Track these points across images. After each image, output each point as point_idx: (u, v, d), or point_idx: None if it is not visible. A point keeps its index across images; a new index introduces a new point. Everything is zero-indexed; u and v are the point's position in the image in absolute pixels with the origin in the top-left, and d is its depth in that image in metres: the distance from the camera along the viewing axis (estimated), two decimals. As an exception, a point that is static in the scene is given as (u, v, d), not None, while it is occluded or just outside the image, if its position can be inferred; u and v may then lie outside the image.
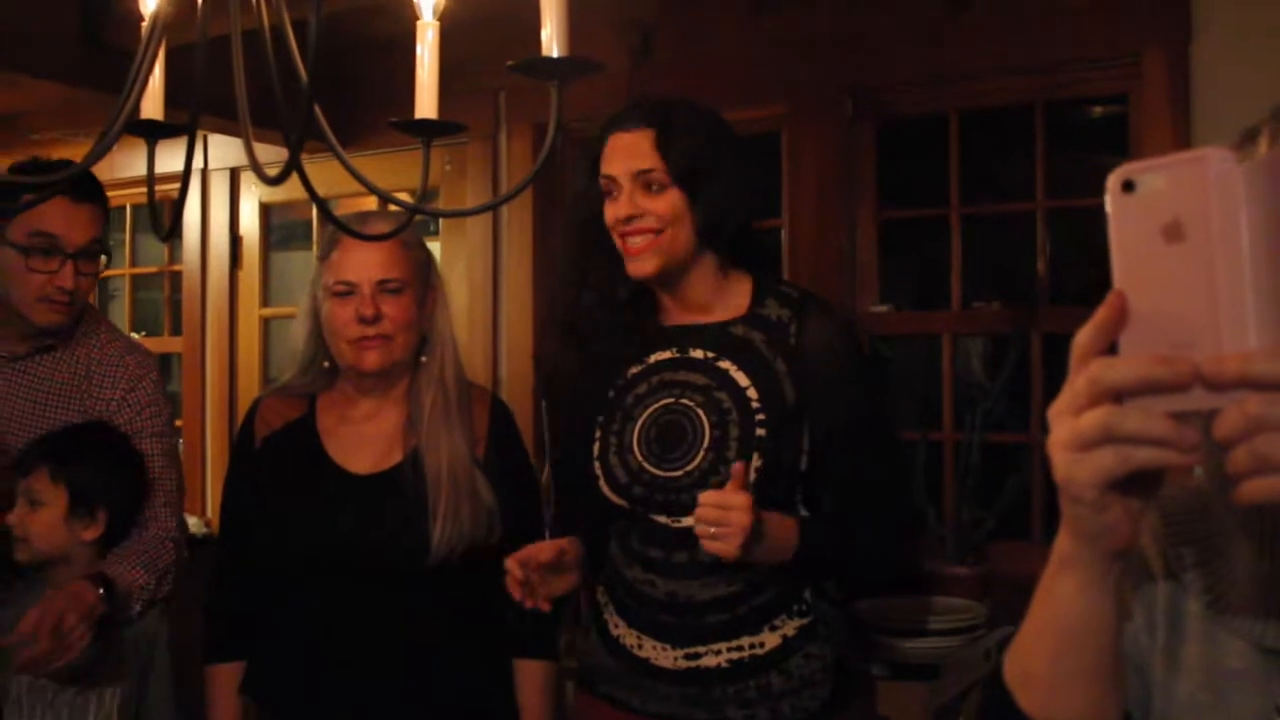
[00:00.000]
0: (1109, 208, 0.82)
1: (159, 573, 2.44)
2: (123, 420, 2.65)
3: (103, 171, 4.78)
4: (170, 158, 1.73)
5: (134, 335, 5.11)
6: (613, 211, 2.11)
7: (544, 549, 2.08)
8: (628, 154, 2.10)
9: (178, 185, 3.79)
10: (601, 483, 2.17)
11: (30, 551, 2.38)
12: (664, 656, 2.11)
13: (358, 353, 2.28)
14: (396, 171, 3.84)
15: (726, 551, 1.90)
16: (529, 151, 3.98)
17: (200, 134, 4.03)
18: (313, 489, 2.31)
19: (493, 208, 3.92)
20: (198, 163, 4.19)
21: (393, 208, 2.66)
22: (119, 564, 2.39)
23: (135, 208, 5.20)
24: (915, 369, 3.76)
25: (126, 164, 4.76)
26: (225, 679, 2.37)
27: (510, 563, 2.06)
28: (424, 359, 2.35)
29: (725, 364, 2.13)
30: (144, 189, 4.86)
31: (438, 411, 2.30)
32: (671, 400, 2.13)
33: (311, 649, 2.27)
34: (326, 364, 2.37)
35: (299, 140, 1.19)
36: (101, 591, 2.28)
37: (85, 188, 2.47)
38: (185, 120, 1.44)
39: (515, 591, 2.05)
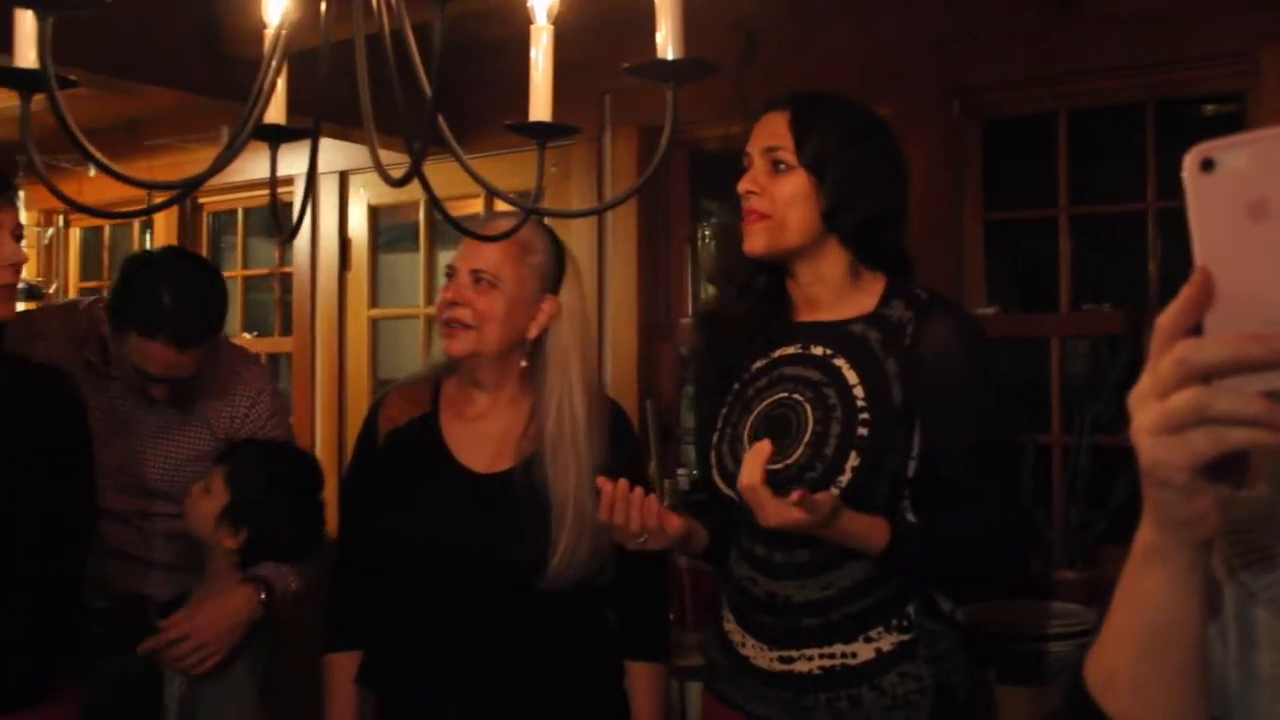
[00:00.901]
0: (1187, 187, 0.79)
1: (308, 578, 2.61)
2: (247, 433, 2.77)
3: (217, 176, 4.92)
4: (282, 162, 1.78)
5: (246, 335, 5.23)
6: (740, 185, 2.14)
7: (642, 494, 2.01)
8: (764, 131, 2.14)
9: (289, 189, 3.90)
10: (714, 472, 2.17)
11: (183, 526, 2.61)
12: (761, 657, 2.10)
13: (445, 335, 2.33)
14: (502, 174, 3.83)
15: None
16: (633, 153, 4.01)
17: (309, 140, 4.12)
18: (433, 487, 2.34)
19: (603, 210, 3.96)
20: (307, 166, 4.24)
21: (504, 206, 2.71)
22: (279, 568, 2.57)
23: (247, 211, 5.30)
24: (1022, 372, 3.72)
25: (238, 169, 4.80)
26: (343, 668, 2.42)
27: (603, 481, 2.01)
28: (539, 366, 2.34)
29: (839, 361, 2.09)
30: (255, 192, 5.01)
31: (563, 420, 2.28)
32: (785, 395, 2.11)
33: (427, 643, 2.31)
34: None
35: (423, 147, 1.22)
36: (263, 596, 2.52)
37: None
38: (304, 125, 1.47)
39: (604, 513, 2.00)
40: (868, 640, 2.05)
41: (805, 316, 2.19)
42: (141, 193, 1.46)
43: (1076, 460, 3.19)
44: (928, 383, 2.05)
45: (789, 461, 2.04)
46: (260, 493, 2.56)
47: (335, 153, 4.61)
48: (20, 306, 5.45)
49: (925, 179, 3.47)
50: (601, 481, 2.00)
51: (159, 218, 5.36)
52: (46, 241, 5.83)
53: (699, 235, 4.01)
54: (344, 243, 4.78)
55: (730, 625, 2.18)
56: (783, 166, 2.09)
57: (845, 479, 2.00)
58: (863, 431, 2.03)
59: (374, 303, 4.78)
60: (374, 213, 4.76)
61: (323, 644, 2.46)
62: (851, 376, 2.08)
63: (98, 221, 5.82)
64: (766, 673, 2.09)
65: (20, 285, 5.33)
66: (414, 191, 4.66)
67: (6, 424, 2.24)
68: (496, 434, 2.36)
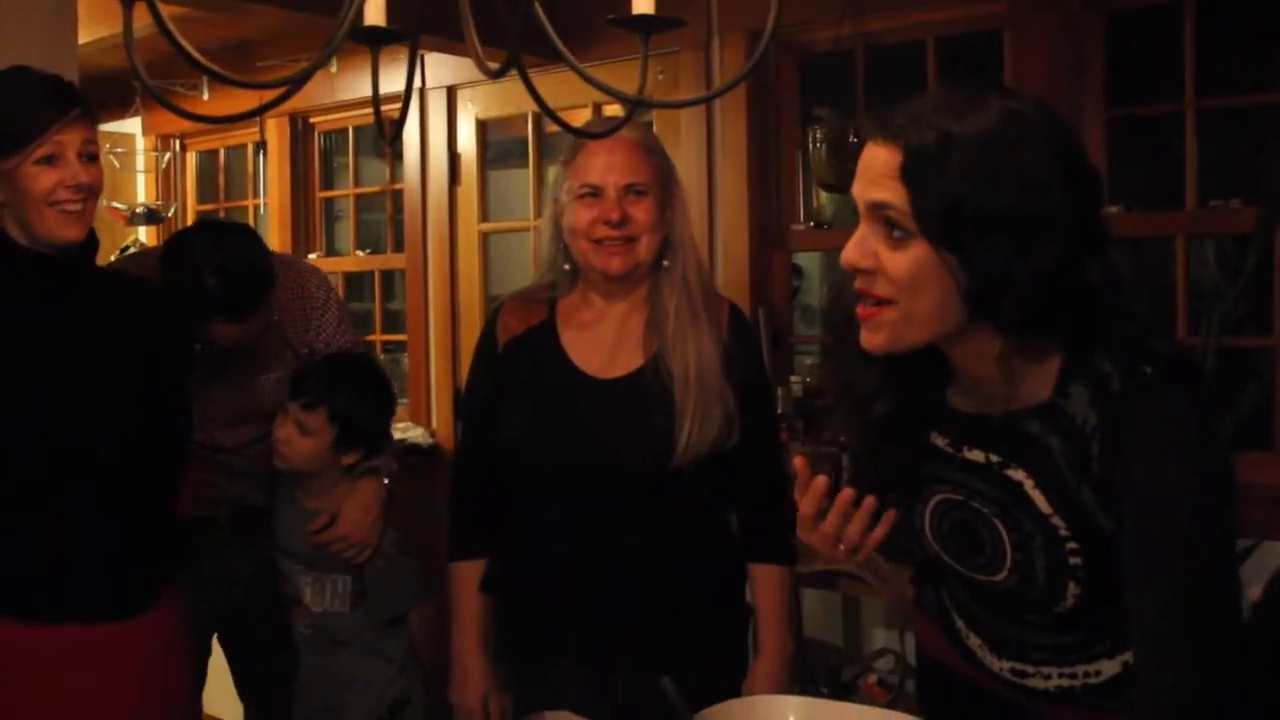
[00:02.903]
0: None
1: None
2: (321, 343, 2.84)
3: (324, 95, 4.95)
4: (388, 80, 1.77)
5: (358, 253, 5.28)
6: (844, 254, 1.57)
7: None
8: (868, 171, 1.54)
9: (397, 106, 3.91)
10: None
11: (289, 465, 2.73)
12: (989, 659, 1.79)
13: (602, 256, 2.31)
14: (609, 80, 3.83)
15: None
16: (742, 60, 3.93)
17: (419, 52, 4.11)
18: (554, 392, 2.36)
19: (713, 98, 3.88)
20: (416, 81, 4.25)
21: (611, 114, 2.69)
22: (379, 456, 2.82)
23: (357, 130, 5.33)
24: (1147, 272, 3.62)
25: (346, 87, 4.88)
26: (468, 576, 2.47)
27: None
28: (666, 263, 2.36)
29: (1017, 474, 1.62)
30: (365, 110, 5.00)
31: (683, 315, 2.32)
32: (960, 498, 1.68)
33: (551, 549, 2.34)
34: (567, 266, 2.40)
35: (518, 34, 1.19)
36: (386, 482, 2.78)
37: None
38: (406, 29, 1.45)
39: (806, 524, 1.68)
40: (1110, 657, 1.69)
41: (958, 399, 1.70)
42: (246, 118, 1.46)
43: (1203, 364, 3.10)
44: (1131, 507, 1.53)
45: (996, 579, 1.68)
46: (366, 418, 2.78)
47: (442, 68, 4.60)
48: (141, 231, 5.60)
49: (1044, 76, 3.37)
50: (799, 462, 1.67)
51: (271, 139, 5.41)
52: (164, 166, 5.92)
53: (810, 140, 3.93)
54: (453, 158, 4.78)
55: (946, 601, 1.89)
56: (897, 233, 1.50)
57: (1069, 605, 1.64)
58: (1075, 561, 1.60)
59: (484, 217, 4.78)
60: (482, 127, 4.75)
61: (447, 553, 2.50)
62: (1041, 502, 1.60)
63: (213, 144, 5.89)
64: (994, 674, 1.79)
65: (139, 209, 5.47)
66: (521, 105, 4.68)
67: (117, 333, 2.29)
68: (617, 339, 2.39)
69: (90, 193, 2.21)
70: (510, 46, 1.24)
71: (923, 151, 1.46)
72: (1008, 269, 1.45)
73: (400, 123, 1.36)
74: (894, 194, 1.48)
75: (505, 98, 4.62)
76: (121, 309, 2.33)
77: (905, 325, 1.53)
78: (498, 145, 5.06)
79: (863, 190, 1.53)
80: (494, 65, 1.31)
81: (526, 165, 4.69)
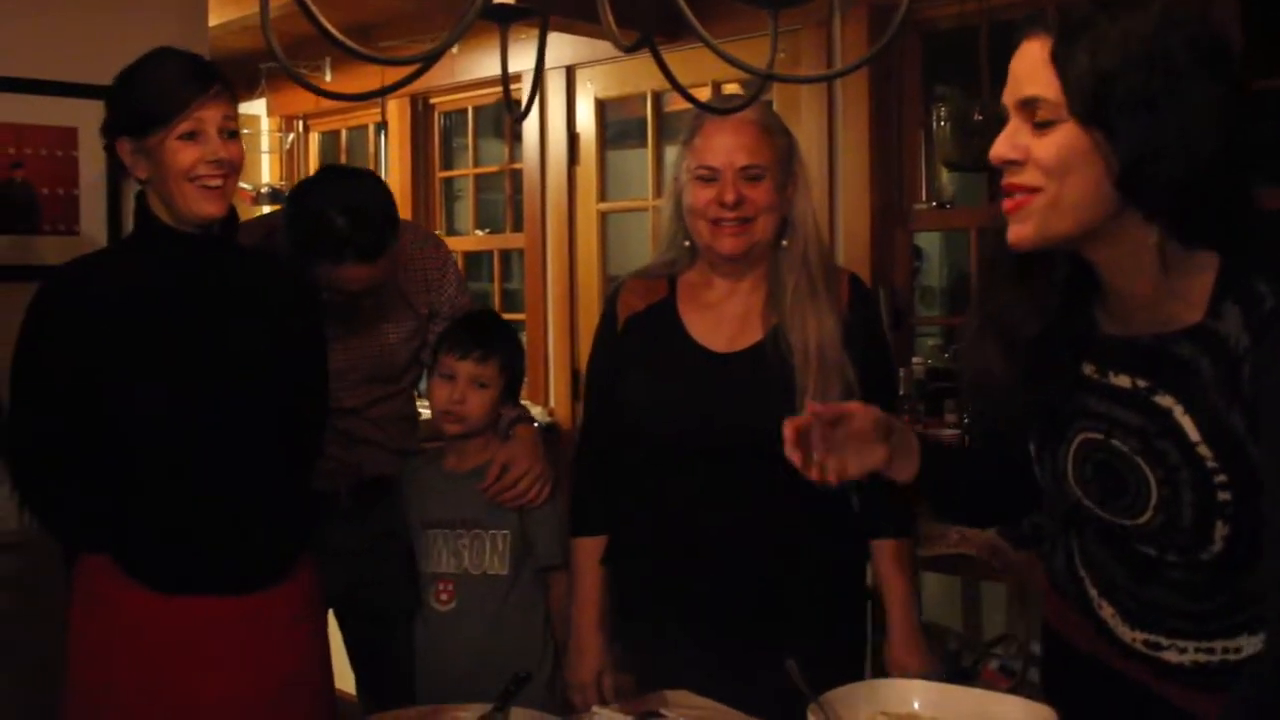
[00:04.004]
0: None
1: None
2: (444, 304, 2.89)
3: (444, 76, 4.99)
4: (511, 58, 1.77)
5: (478, 232, 5.32)
6: (992, 150, 1.56)
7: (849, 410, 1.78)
8: (1017, 71, 1.53)
9: (516, 86, 3.95)
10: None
11: (465, 426, 2.73)
12: (1122, 629, 1.72)
13: (718, 236, 2.31)
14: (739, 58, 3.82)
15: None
16: (864, 37, 3.89)
17: (536, 33, 4.13)
18: (675, 367, 2.36)
19: (841, 75, 3.86)
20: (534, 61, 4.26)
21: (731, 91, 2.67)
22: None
23: (477, 110, 5.37)
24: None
25: (465, 68, 4.92)
26: (589, 551, 2.48)
27: (786, 425, 1.77)
28: (785, 242, 2.35)
29: (1165, 401, 1.56)
30: (484, 91, 5.06)
31: (802, 291, 2.31)
32: (1100, 437, 1.63)
33: (673, 524, 2.34)
34: (687, 243, 2.40)
35: (654, 9, 1.19)
36: (536, 425, 2.80)
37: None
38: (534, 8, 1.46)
39: (792, 455, 1.76)
40: (1251, 632, 1.61)
41: (1108, 324, 1.64)
42: (375, 96, 1.47)
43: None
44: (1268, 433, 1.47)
45: (1139, 522, 1.62)
46: (522, 369, 2.84)
47: (562, 47, 4.61)
48: (266, 210, 5.71)
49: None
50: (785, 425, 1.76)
51: (393, 119, 5.48)
52: (288, 146, 6.02)
53: (933, 118, 3.88)
54: (572, 138, 4.80)
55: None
56: (1047, 121, 1.48)
57: (1216, 549, 1.57)
58: (1224, 496, 1.53)
59: (602, 197, 4.80)
60: (601, 106, 4.76)
61: (569, 527, 2.52)
62: (1190, 429, 1.53)
63: (335, 125, 5.98)
64: (1127, 646, 1.73)
65: (264, 189, 5.58)
66: (640, 84, 4.68)
67: (256, 308, 2.33)
68: (736, 315, 2.38)
69: (230, 168, 2.24)
70: (644, 24, 1.23)
71: (1074, 32, 1.46)
72: (1157, 147, 1.43)
73: (531, 99, 1.36)
74: (1044, 83, 1.48)
75: (624, 77, 4.62)
76: (261, 284, 2.37)
77: (1053, 212, 1.50)
78: (616, 125, 5.07)
79: (1013, 89, 1.53)
80: (624, 68, 1.30)
81: (645, 145, 4.70)
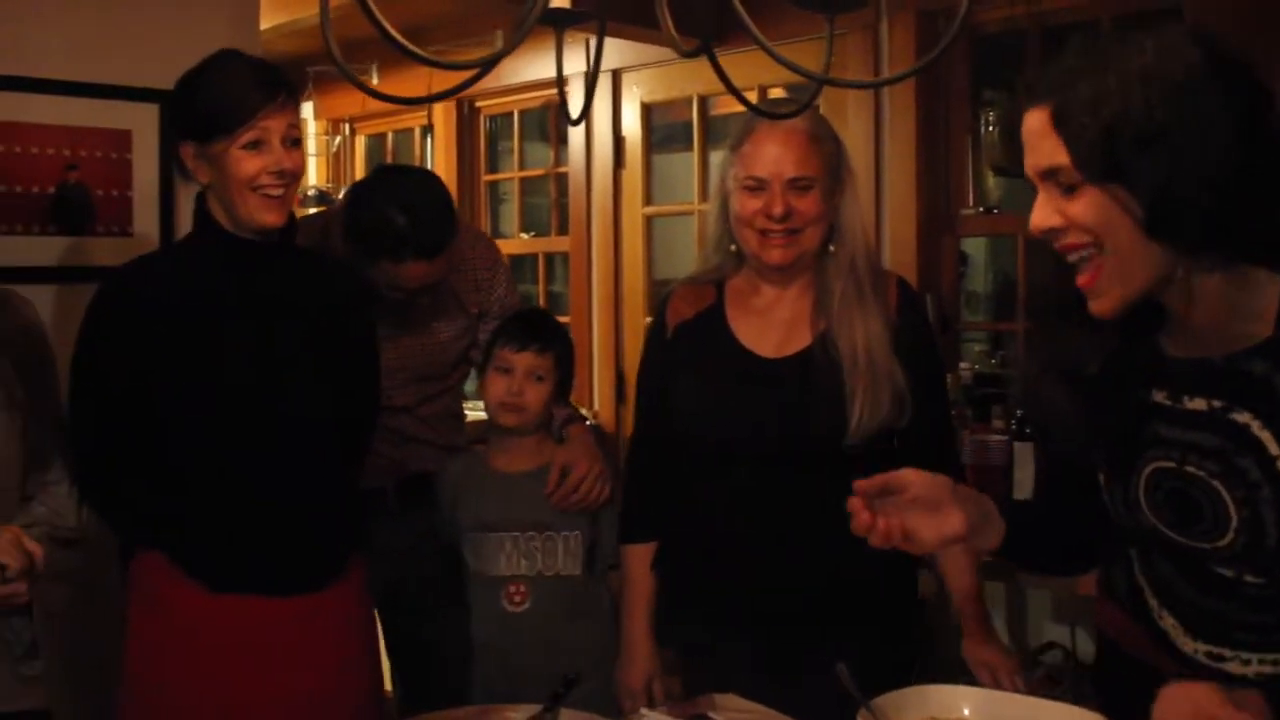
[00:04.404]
0: None
1: None
2: (495, 303, 2.91)
3: (490, 79, 4.99)
4: (552, 64, 1.78)
5: (523, 236, 5.34)
6: (1032, 222, 1.56)
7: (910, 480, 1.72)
8: (1030, 145, 1.54)
9: (559, 90, 3.97)
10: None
11: (523, 418, 2.73)
12: (1183, 640, 1.69)
13: (765, 246, 2.31)
14: (773, 65, 3.81)
15: None
16: (911, 41, 3.88)
17: (584, 36, 4.14)
18: (725, 374, 2.36)
19: (900, 80, 3.84)
20: (582, 65, 4.29)
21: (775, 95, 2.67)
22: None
23: (523, 113, 5.39)
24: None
25: (511, 71, 4.93)
26: (640, 557, 2.48)
27: (857, 487, 1.71)
28: (832, 248, 2.35)
29: (1242, 417, 1.54)
30: (530, 94, 5.07)
31: (849, 297, 2.30)
32: (1172, 465, 1.61)
33: (722, 530, 2.34)
34: (733, 248, 2.40)
35: (714, 13, 1.19)
36: (588, 422, 2.80)
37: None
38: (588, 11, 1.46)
39: (859, 527, 1.71)
40: None
41: (1175, 347, 1.63)
42: (424, 95, 1.48)
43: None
44: None
45: (1220, 544, 1.59)
46: (573, 363, 2.85)
47: (608, 51, 4.61)
48: (312, 213, 5.75)
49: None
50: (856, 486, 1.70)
51: (439, 123, 5.51)
52: (334, 149, 6.06)
53: (981, 123, 3.86)
54: (618, 141, 4.81)
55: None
56: (1069, 187, 1.49)
57: None
58: None
59: (648, 200, 4.80)
60: (647, 111, 4.77)
61: (619, 534, 2.53)
62: (1270, 442, 1.51)
63: (381, 128, 6.01)
64: (1189, 658, 1.70)
65: (311, 191, 5.62)
66: (686, 88, 4.68)
67: (312, 313, 2.34)
68: (784, 321, 2.37)
69: (292, 178, 2.24)
70: (703, 28, 1.23)
71: (1069, 94, 1.46)
72: (1170, 183, 1.41)
73: (587, 103, 1.37)
74: (1054, 152, 1.48)
75: (670, 81, 4.63)
76: (316, 287, 2.38)
77: (1124, 276, 1.49)
78: (662, 129, 5.07)
79: (1031, 161, 1.53)
80: (668, 72, 1.31)
81: (690, 148, 4.70)
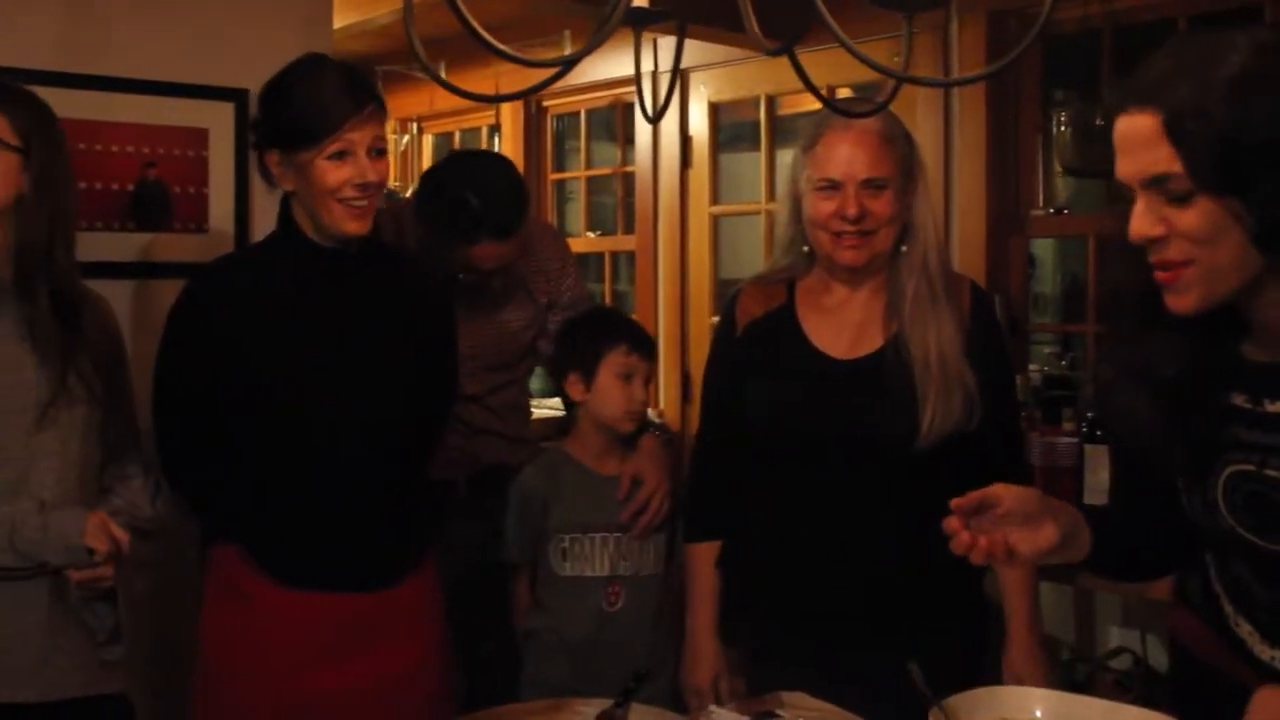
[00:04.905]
0: None
1: None
2: (566, 295, 2.92)
3: (561, 79, 5.02)
4: (618, 64, 1.78)
5: (589, 235, 5.36)
6: (1131, 230, 1.53)
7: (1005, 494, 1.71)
8: (1129, 146, 1.51)
9: (629, 89, 4.02)
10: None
11: (637, 424, 2.80)
12: (1260, 647, 1.69)
13: (838, 248, 2.31)
14: (845, 65, 3.79)
15: None
16: (981, 42, 3.85)
17: (650, 36, 4.14)
18: (795, 374, 2.36)
19: (985, 78, 3.79)
20: (647, 64, 4.30)
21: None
22: None
23: (589, 113, 5.40)
24: None
25: (579, 71, 4.88)
26: (704, 556, 2.49)
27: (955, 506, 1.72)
28: (904, 248, 2.34)
29: None
30: (597, 94, 5.08)
31: (922, 298, 2.30)
32: (1251, 468, 1.59)
33: (788, 530, 2.34)
34: (806, 249, 2.40)
35: (802, 10, 1.20)
36: (658, 435, 2.86)
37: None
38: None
39: (960, 546, 1.71)
40: None
41: (1256, 351, 1.63)
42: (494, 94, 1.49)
43: None
44: None
45: None
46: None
47: (674, 50, 4.62)
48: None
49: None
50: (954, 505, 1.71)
51: (506, 122, 5.54)
52: (403, 148, 6.10)
53: (1052, 124, 3.83)
54: (685, 141, 4.81)
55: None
56: (1180, 196, 1.46)
57: None
58: None
59: (715, 200, 4.80)
60: (714, 110, 4.77)
61: (684, 533, 2.53)
62: None
63: (449, 127, 6.05)
64: (1267, 666, 1.68)
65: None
66: (754, 88, 4.67)
67: (392, 316, 2.37)
68: (856, 322, 2.38)
69: (377, 189, 2.27)
70: (788, 29, 1.24)
71: (1182, 106, 1.43)
72: None
73: (667, 101, 1.38)
74: (1165, 160, 1.45)
75: (738, 81, 4.62)
76: (395, 290, 2.40)
77: (1212, 280, 1.49)
78: (729, 128, 5.07)
79: (1132, 167, 1.50)
80: (735, 70, 1.31)
81: (758, 148, 4.69)
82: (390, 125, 6.08)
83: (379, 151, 2.26)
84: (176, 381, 2.32)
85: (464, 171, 2.70)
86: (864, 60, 1.36)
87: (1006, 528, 1.69)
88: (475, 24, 1.04)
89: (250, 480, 2.30)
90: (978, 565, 2.04)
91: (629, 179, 5.20)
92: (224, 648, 2.31)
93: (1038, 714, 1.80)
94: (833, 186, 2.29)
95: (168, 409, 2.33)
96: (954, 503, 1.69)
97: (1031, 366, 3.79)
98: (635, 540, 2.74)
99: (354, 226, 2.24)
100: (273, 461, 2.29)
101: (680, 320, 4.83)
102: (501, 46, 1.08)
